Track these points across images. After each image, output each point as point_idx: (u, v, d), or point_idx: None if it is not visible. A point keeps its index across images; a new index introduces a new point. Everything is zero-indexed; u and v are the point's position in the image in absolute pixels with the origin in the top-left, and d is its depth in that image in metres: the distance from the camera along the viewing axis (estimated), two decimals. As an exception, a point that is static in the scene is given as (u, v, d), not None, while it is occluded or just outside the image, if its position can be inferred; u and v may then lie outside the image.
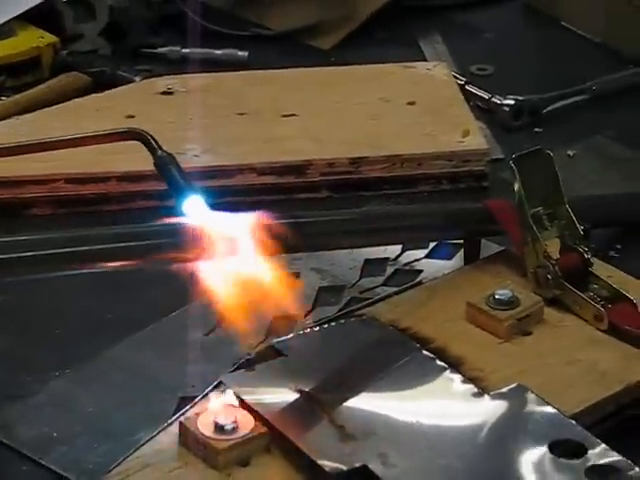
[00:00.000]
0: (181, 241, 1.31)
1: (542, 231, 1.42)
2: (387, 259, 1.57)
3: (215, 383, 1.27)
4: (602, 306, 1.36)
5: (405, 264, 1.57)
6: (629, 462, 1.17)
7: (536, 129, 1.88)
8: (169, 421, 1.25)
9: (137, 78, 1.89)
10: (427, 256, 1.59)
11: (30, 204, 1.66)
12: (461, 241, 1.58)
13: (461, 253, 1.56)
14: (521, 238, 1.44)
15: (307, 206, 1.68)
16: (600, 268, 1.44)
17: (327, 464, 1.14)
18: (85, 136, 1.58)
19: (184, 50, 2.00)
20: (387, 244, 1.55)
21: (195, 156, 1.69)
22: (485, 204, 1.52)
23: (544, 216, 1.43)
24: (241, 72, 1.96)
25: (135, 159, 1.64)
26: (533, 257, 1.41)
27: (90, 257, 1.35)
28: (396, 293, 1.48)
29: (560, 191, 1.44)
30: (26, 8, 1.91)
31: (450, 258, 1.57)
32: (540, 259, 1.41)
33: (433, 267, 1.55)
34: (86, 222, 1.62)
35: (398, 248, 1.59)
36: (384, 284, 1.52)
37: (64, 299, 1.52)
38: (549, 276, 1.40)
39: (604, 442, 1.19)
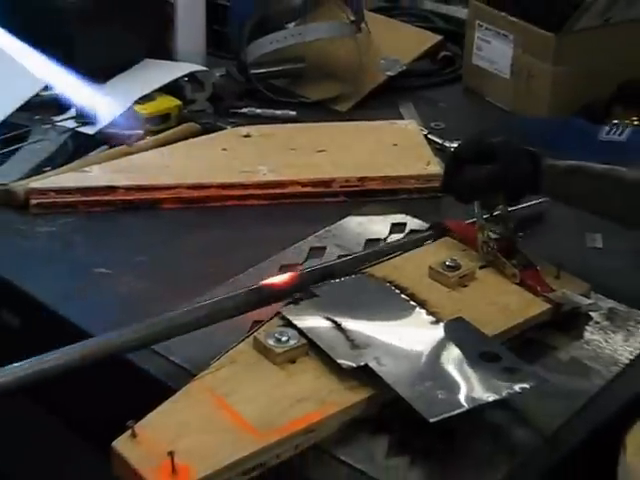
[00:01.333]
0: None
1: (488, 225, 1.53)
2: (379, 239, 1.65)
3: (275, 312, 1.39)
4: (517, 269, 1.48)
5: (389, 242, 1.63)
6: (526, 364, 1.30)
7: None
8: (247, 334, 1.36)
9: (229, 127, 1.96)
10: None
11: (161, 202, 1.74)
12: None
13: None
14: (474, 230, 1.54)
15: (330, 206, 1.78)
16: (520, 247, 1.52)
17: (343, 362, 1.28)
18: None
19: (257, 110, 2.07)
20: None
21: (264, 174, 1.79)
22: (444, 222, 1.62)
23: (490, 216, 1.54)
24: (292, 124, 2.04)
25: (228, 175, 1.80)
26: (480, 238, 1.52)
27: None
28: (385, 259, 1.56)
29: (504, 201, 1.53)
30: (162, 84, 2.00)
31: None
32: (484, 239, 1.51)
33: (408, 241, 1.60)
34: (196, 213, 1.74)
35: (386, 233, 1.68)
36: (379, 253, 1.57)
37: (182, 260, 1.62)
38: (489, 249, 1.51)
39: (512, 352, 1.32)
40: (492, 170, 1.49)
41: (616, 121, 1.68)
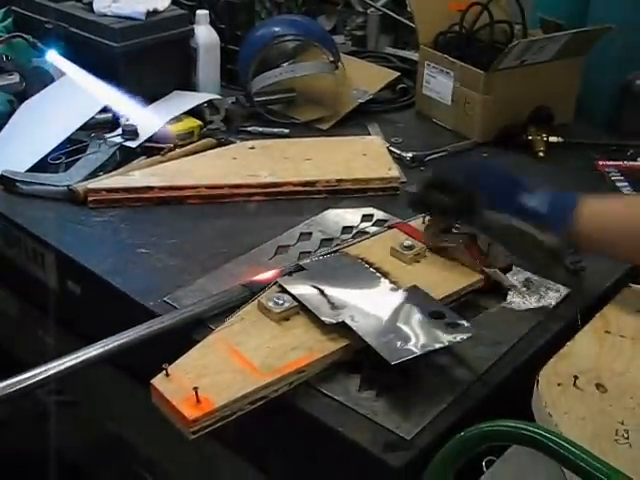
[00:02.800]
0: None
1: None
2: (353, 227, 1.64)
3: (273, 282, 1.39)
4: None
5: (361, 229, 1.63)
6: (464, 320, 1.30)
7: (421, 168, 1.91)
8: (254, 299, 1.36)
9: (238, 141, 1.93)
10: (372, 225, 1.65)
11: (185, 199, 1.72)
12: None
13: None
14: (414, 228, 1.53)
15: (315, 202, 1.75)
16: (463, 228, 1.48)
17: (326, 319, 1.30)
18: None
19: (259, 128, 2.03)
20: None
21: (265, 177, 1.77)
22: (395, 225, 1.58)
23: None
24: (286, 139, 2.00)
25: (237, 177, 1.77)
26: (430, 228, 1.50)
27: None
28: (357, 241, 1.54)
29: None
30: (187, 109, 1.97)
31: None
32: (434, 227, 1.49)
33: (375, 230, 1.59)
34: (213, 207, 1.72)
35: (358, 222, 1.66)
36: (352, 237, 1.59)
37: (203, 242, 1.61)
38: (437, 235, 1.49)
39: (453, 311, 1.33)
40: (450, 204, 1.44)
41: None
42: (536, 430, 0.87)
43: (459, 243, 1.47)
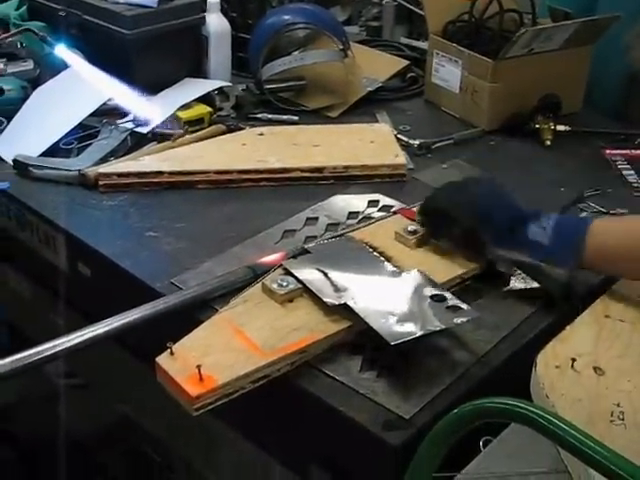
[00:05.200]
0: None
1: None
2: (358, 212, 1.64)
3: (277, 265, 1.40)
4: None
5: (367, 215, 1.63)
6: (464, 304, 1.30)
7: (429, 155, 1.91)
8: (259, 281, 1.37)
9: (247, 128, 1.92)
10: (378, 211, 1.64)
11: (195, 183, 1.73)
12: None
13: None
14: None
15: (322, 187, 1.75)
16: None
17: (328, 301, 1.31)
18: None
19: (269, 115, 2.04)
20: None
21: (273, 163, 1.77)
22: (400, 210, 1.58)
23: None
24: (295, 126, 2.00)
25: (246, 163, 1.78)
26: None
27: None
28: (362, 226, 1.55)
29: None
30: (198, 96, 1.98)
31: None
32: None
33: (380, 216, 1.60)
34: (222, 192, 1.73)
35: (364, 208, 1.66)
36: (357, 223, 1.59)
37: (211, 226, 1.61)
38: None
39: (455, 295, 1.33)
40: (454, 237, 1.44)
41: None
42: (531, 408, 0.87)
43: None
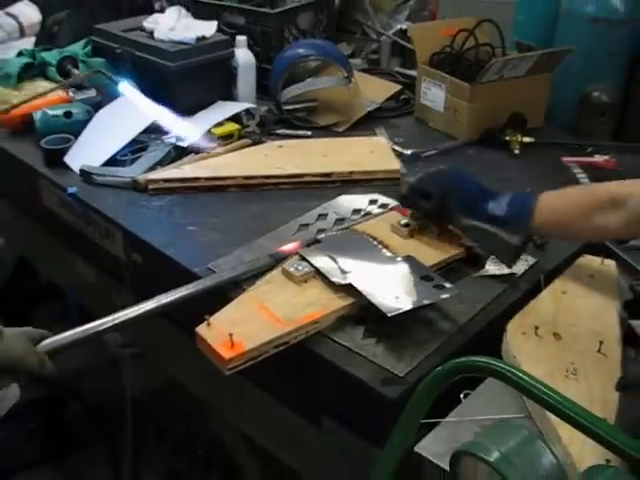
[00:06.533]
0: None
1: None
2: (361, 209, 1.62)
3: (294, 253, 1.40)
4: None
5: (368, 211, 1.61)
6: (449, 282, 1.30)
7: (419, 162, 1.89)
8: (279, 266, 1.37)
9: (269, 141, 1.93)
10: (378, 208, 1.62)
11: (227, 187, 1.72)
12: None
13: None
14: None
15: (331, 189, 1.73)
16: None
17: (336, 281, 1.31)
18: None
19: (287, 131, 2.04)
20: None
21: (290, 169, 1.76)
22: (395, 207, 1.57)
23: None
24: (308, 139, 1.99)
25: (268, 170, 1.76)
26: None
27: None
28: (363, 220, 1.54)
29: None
30: (228, 115, 1.97)
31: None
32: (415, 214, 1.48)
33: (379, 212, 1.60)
34: (249, 194, 1.71)
35: (366, 205, 1.64)
36: (360, 218, 1.58)
37: (239, 222, 1.60)
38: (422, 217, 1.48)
39: (440, 275, 1.34)
40: (428, 207, 1.43)
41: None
42: (500, 364, 0.88)
43: (434, 228, 1.49)
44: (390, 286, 1.30)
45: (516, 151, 1.97)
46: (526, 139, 1.99)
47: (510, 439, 0.82)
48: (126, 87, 1.97)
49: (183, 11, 2.13)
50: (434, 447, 1.05)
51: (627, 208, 1.22)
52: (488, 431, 0.85)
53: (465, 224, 1.38)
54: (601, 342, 1.19)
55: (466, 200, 1.38)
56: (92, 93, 2.05)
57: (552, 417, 0.90)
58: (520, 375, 0.86)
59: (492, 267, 1.45)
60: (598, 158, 1.92)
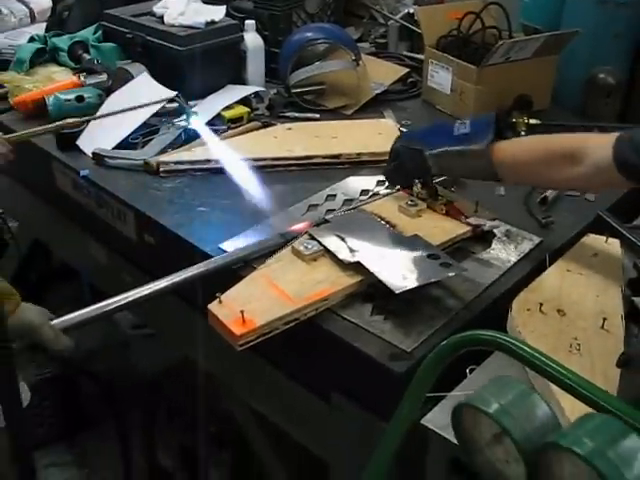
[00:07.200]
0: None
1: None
2: (369, 190, 1.63)
3: (304, 232, 1.42)
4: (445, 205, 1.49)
5: (376, 192, 1.62)
6: (455, 261, 1.32)
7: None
8: (289, 245, 1.39)
9: (278, 124, 1.94)
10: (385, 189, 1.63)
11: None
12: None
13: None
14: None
15: (339, 170, 1.73)
16: (445, 193, 1.52)
17: (345, 259, 1.33)
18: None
19: (296, 114, 2.04)
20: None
21: (299, 151, 1.77)
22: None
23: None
24: (317, 122, 1.99)
25: (278, 152, 1.78)
26: (425, 191, 1.50)
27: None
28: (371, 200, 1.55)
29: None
30: (238, 98, 1.98)
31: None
32: (427, 192, 1.51)
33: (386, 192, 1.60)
34: (258, 175, 1.67)
35: (373, 186, 1.65)
36: (368, 198, 1.59)
37: (250, 202, 1.57)
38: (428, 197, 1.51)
39: (447, 254, 1.35)
40: (396, 164, 1.49)
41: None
42: (505, 337, 0.90)
43: (440, 207, 1.50)
44: (397, 264, 1.32)
45: (522, 133, 1.95)
46: (532, 121, 1.98)
47: (508, 392, 0.85)
48: (198, 124, 1.89)
49: (192, -4, 2.14)
50: (440, 420, 1.07)
51: (585, 164, 1.24)
52: (488, 385, 0.87)
53: (435, 153, 1.42)
54: (604, 319, 1.20)
55: (431, 134, 1.46)
56: (103, 77, 2.06)
57: (555, 389, 0.91)
58: (524, 348, 0.87)
59: (498, 246, 1.47)
60: (604, 139, 1.92)
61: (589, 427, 0.76)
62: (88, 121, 1.85)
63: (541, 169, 1.31)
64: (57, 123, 1.80)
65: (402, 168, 1.49)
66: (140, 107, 1.86)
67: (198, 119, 1.84)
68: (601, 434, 0.74)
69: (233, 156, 1.72)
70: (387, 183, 1.59)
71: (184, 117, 1.90)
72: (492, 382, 0.87)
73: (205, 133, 1.80)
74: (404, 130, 1.85)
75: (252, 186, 1.62)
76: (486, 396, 0.83)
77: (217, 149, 1.75)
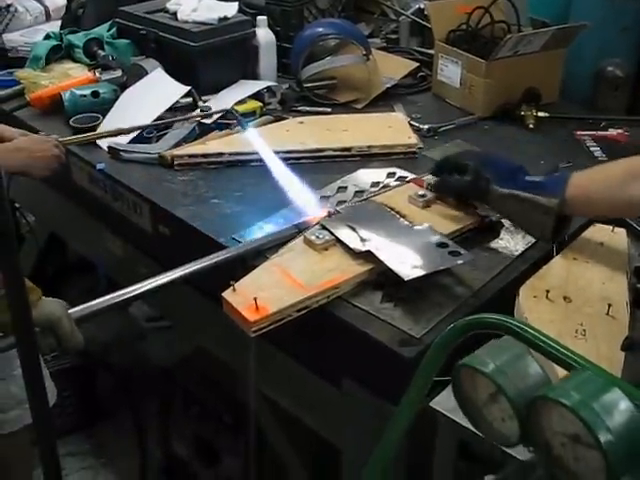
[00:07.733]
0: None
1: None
2: (379, 182, 1.64)
3: (316, 223, 1.44)
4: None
5: (386, 184, 1.63)
6: (463, 249, 1.34)
7: (435, 137, 1.91)
8: (301, 234, 1.40)
9: (290, 118, 1.95)
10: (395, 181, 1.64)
11: (250, 161, 1.73)
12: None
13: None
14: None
15: (350, 163, 1.75)
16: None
17: (355, 248, 1.35)
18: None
19: (307, 108, 2.05)
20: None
21: (311, 144, 1.78)
22: (412, 179, 1.60)
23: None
24: (328, 116, 2.00)
25: (290, 145, 1.78)
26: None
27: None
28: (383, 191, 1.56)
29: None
30: (251, 93, 2.01)
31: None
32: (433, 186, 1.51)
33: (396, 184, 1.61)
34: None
35: (384, 178, 1.66)
36: (379, 190, 1.60)
37: (262, 194, 1.62)
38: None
39: (456, 243, 1.37)
40: (456, 179, 1.46)
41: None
42: (511, 320, 0.91)
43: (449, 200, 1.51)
44: (407, 253, 1.34)
45: (531, 125, 1.99)
46: (541, 114, 2.01)
47: (503, 354, 0.88)
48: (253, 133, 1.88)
49: (205, -8, 2.15)
50: (448, 403, 1.09)
51: None
52: (485, 347, 0.90)
53: (502, 193, 1.38)
54: (610, 305, 1.21)
55: (504, 169, 1.41)
56: (118, 73, 2.09)
57: (560, 371, 0.93)
58: (530, 330, 0.88)
59: (507, 236, 1.49)
60: (612, 132, 1.95)
61: (575, 382, 0.80)
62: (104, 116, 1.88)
63: (618, 187, 1.26)
64: (109, 130, 1.84)
65: (461, 186, 1.46)
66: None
67: (253, 129, 1.85)
68: (586, 388, 0.79)
69: (268, 150, 1.74)
70: (431, 189, 1.54)
71: (198, 111, 1.92)
72: (488, 345, 0.89)
73: (258, 144, 1.79)
74: (476, 148, 1.82)
75: (276, 177, 1.65)
76: (483, 357, 0.86)
77: (257, 144, 1.77)
